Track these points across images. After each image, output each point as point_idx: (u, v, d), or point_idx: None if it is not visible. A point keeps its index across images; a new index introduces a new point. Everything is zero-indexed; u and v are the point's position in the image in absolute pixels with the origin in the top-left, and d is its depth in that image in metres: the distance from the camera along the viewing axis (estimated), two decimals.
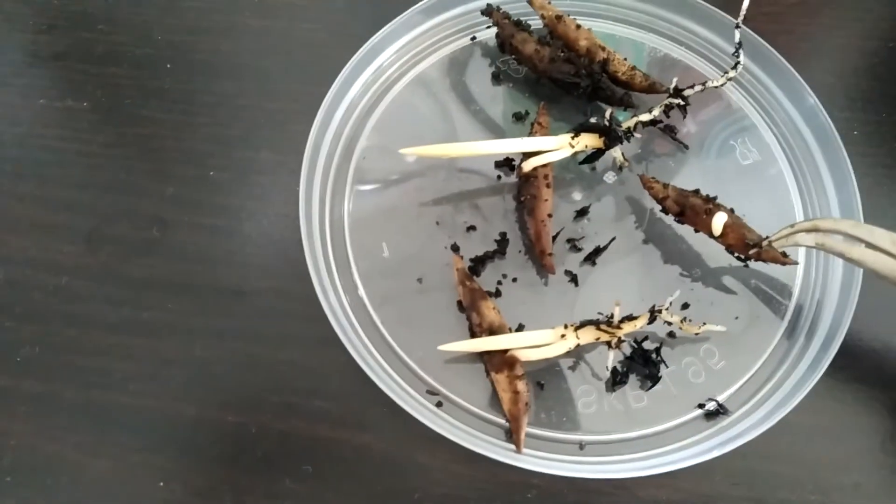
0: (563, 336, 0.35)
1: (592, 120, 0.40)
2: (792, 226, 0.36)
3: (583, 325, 0.35)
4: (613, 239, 0.40)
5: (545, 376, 0.36)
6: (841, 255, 0.35)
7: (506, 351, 0.35)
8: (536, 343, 0.35)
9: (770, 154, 0.43)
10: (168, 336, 0.37)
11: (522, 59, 0.44)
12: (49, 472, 0.34)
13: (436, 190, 0.41)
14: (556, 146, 0.39)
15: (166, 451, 0.35)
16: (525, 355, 0.34)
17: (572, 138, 0.39)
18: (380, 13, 0.44)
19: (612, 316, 0.35)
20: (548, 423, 0.35)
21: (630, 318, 0.35)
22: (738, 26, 0.39)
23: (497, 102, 0.44)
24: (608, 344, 0.35)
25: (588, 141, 0.39)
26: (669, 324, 0.36)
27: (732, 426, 0.35)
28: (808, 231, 0.35)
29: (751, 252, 0.36)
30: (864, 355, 0.38)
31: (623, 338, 0.35)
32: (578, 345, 0.35)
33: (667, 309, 0.35)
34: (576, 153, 0.40)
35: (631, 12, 0.47)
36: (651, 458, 0.34)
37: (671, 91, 0.40)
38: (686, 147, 0.42)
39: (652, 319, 0.35)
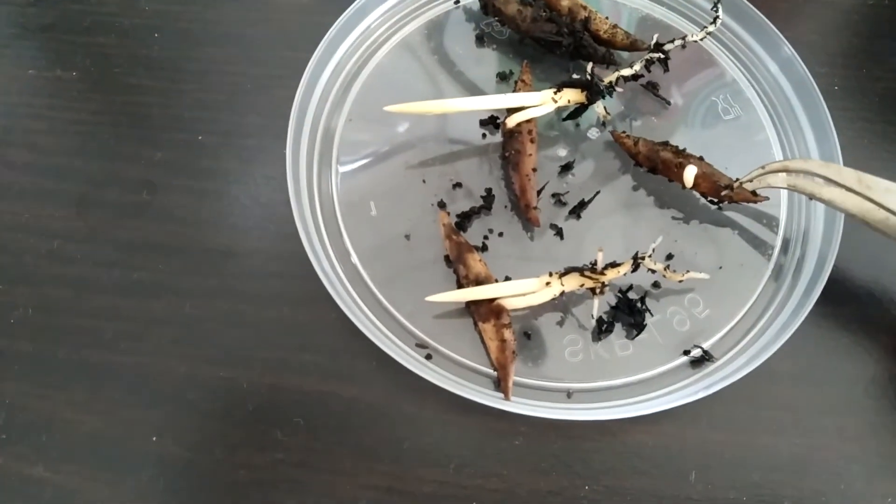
0: (547, 284, 0.35)
1: (574, 76, 0.40)
2: (763, 167, 0.36)
3: (567, 271, 0.35)
4: (598, 193, 0.40)
5: (532, 327, 0.37)
6: (811, 196, 0.35)
7: (492, 301, 0.35)
8: (522, 291, 0.35)
9: (752, 109, 0.43)
10: (158, 296, 0.38)
11: (505, 19, 0.44)
12: (43, 429, 0.35)
13: (422, 149, 0.41)
14: (539, 102, 0.39)
15: (158, 406, 0.35)
16: (511, 304, 0.35)
17: (555, 94, 0.40)
18: None
19: (595, 263, 0.35)
20: (535, 373, 0.36)
21: (614, 264, 0.35)
22: None
23: (482, 63, 0.44)
24: (592, 291, 0.35)
25: (570, 96, 0.40)
26: (653, 272, 0.36)
27: (717, 372, 0.36)
28: (779, 172, 0.36)
29: (723, 194, 0.36)
30: (847, 302, 0.38)
31: (607, 284, 0.35)
32: (563, 292, 0.35)
33: (650, 256, 0.35)
34: (559, 109, 0.40)
35: None
36: (636, 403, 0.35)
37: (651, 46, 0.41)
38: (668, 103, 0.43)
39: (635, 266, 0.35)
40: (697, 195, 0.39)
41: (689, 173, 0.38)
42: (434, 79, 0.44)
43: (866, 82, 0.45)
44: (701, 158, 0.39)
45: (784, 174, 0.35)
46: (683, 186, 0.38)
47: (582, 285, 0.35)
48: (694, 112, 0.43)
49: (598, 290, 0.35)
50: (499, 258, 0.38)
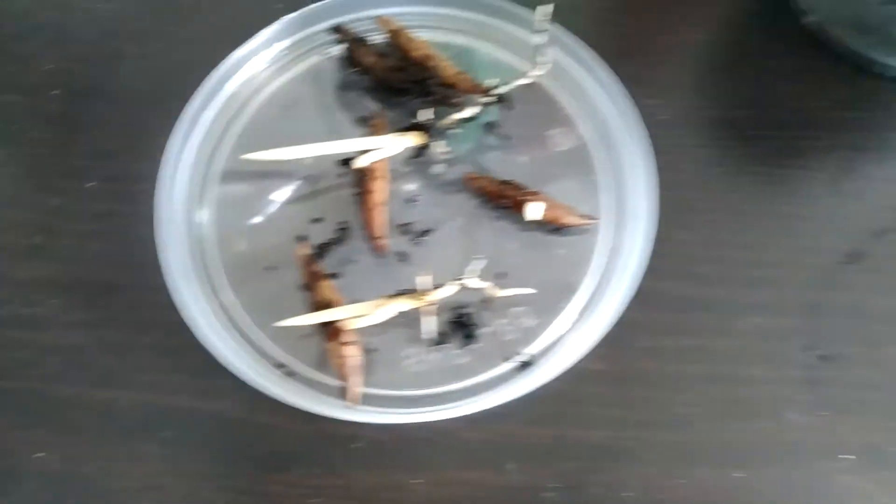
0: (382, 306, 0.40)
1: (417, 119, 0.45)
2: None
3: (397, 294, 0.40)
4: (441, 221, 0.45)
5: (377, 343, 0.42)
6: None
7: (335, 322, 0.40)
8: (358, 314, 0.40)
9: (584, 140, 0.48)
10: (47, 328, 0.43)
11: (366, 69, 0.49)
12: None
13: (286, 188, 0.46)
14: (387, 144, 0.45)
15: (44, 426, 0.40)
16: (349, 325, 0.40)
17: (400, 136, 0.45)
18: (240, 33, 0.50)
19: (421, 286, 0.40)
20: (379, 383, 0.41)
21: (438, 286, 0.41)
22: (542, 30, 0.45)
23: (344, 109, 0.50)
24: (426, 310, 0.41)
25: (414, 138, 0.45)
26: (478, 289, 0.41)
27: (537, 374, 0.41)
28: None
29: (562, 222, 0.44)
30: (657, 309, 0.43)
31: (436, 303, 0.41)
32: (399, 312, 0.41)
33: (475, 276, 0.40)
34: (405, 149, 0.45)
35: (464, 23, 0.52)
36: (464, 405, 0.40)
37: (487, 90, 0.46)
38: (508, 138, 0.48)
39: (460, 287, 0.41)
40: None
41: (532, 209, 0.43)
42: (303, 124, 0.49)
43: (692, 111, 0.51)
44: (539, 193, 0.45)
45: None
46: (530, 220, 0.44)
47: (412, 306, 0.40)
48: (532, 146, 0.48)
49: (428, 311, 0.41)
50: (353, 284, 0.44)
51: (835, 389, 0.42)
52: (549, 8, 0.46)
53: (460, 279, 0.40)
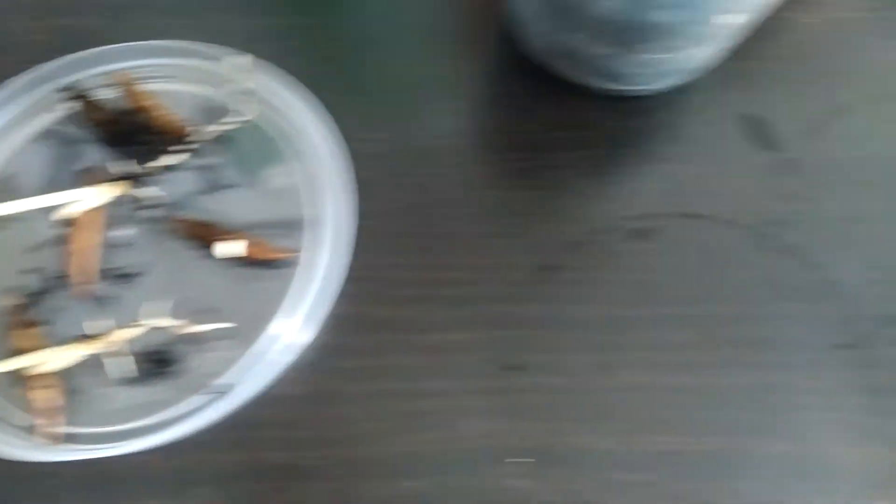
0: (66, 351, 0.43)
1: (128, 168, 0.48)
2: None
3: (79, 339, 0.43)
4: (152, 264, 0.48)
5: (80, 383, 0.44)
6: None
7: (26, 368, 0.43)
8: (44, 360, 0.43)
9: (293, 178, 0.51)
10: None
11: (93, 123, 0.52)
12: None
13: (8, 242, 0.49)
14: (96, 194, 0.47)
15: None
16: (34, 370, 0.43)
17: (108, 186, 0.48)
18: None
19: (98, 330, 0.43)
20: (80, 422, 0.43)
21: (122, 328, 0.43)
22: (246, 77, 0.48)
23: (71, 163, 0.52)
24: (108, 353, 0.43)
25: (122, 187, 0.48)
26: (166, 328, 0.44)
27: (232, 401, 0.44)
28: None
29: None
30: (351, 332, 0.46)
31: (117, 344, 0.43)
32: (89, 355, 0.43)
33: (150, 318, 0.43)
34: (120, 196, 0.48)
35: (192, 71, 0.55)
36: (159, 437, 0.43)
37: (192, 135, 0.49)
38: (224, 181, 0.51)
39: (147, 328, 0.43)
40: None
41: (221, 248, 0.46)
42: (32, 181, 0.51)
43: (406, 143, 0.54)
44: (239, 231, 0.48)
45: None
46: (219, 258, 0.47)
47: (96, 350, 0.43)
48: (247, 185, 0.51)
49: (115, 352, 0.43)
50: (64, 330, 0.46)
51: (515, 397, 0.45)
52: (247, 58, 0.49)
53: (138, 321, 0.43)
